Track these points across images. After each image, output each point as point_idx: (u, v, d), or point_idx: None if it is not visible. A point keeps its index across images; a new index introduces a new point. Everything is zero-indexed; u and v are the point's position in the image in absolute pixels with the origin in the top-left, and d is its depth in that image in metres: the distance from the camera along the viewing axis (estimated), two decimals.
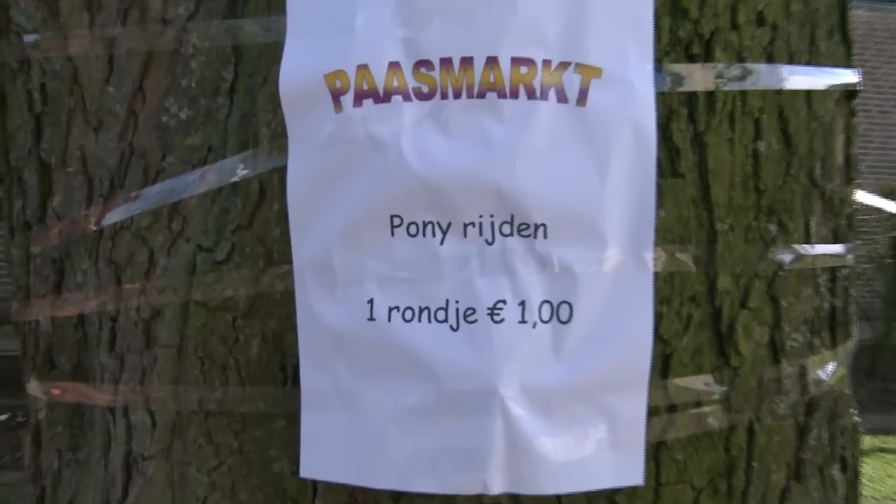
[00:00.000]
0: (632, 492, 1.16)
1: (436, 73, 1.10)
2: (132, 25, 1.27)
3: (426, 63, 1.10)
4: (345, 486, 1.17)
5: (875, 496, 6.58)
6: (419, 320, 1.11)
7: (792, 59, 1.24)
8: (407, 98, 1.11)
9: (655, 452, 1.17)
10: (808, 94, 1.26)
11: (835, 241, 1.32)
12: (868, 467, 7.41)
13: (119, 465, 1.33)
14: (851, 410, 1.41)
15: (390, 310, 1.12)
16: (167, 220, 1.26)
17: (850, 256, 1.36)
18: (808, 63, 1.26)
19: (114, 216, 1.30)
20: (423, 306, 1.11)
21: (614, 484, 1.15)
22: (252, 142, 1.20)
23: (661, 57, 1.15)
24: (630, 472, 1.15)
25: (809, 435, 1.29)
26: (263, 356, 1.21)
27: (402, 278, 1.12)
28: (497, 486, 1.11)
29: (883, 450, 8.14)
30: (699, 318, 1.18)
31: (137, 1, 1.26)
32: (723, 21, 1.17)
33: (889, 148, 15.14)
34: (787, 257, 1.23)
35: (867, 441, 8.42)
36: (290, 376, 1.19)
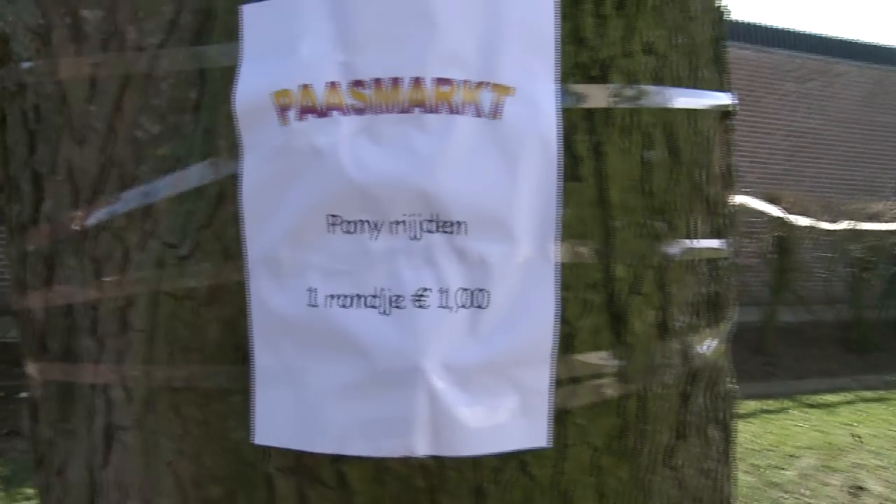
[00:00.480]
0: (540, 452, 1.12)
1: (369, 92, 1.06)
2: (112, 53, 1.22)
3: (361, 83, 1.06)
4: (292, 451, 1.12)
5: (756, 448, 6.65)
6: (354, 306, 1.07)
7: (677, 83, 1.22)
8: (344, 113, 1.06)
9: (560, 418, 1.13)
10: (691, 113, 1.23)
11: (716, 237, 1.30)
12: (752, 425, 7.52)
13: (100, 435, 1.27)
14: (729, 379, 1.39)
15: (329, 297, 1.07)
16: (140, 222, 1.20)
17: (729, 249, 1.34)
18: (691, 87, 1.24)
19: (95, 218, 1.24)
20: (357, 294, 1.07)
21: (523, 446, 1.11)
22: (213, 152, 1.15)
23: (566, 78, 1.11)
24: (537, 435, 1.11)
25: (691, 401, 1.26)
26: (222, 339, 1.15)
27: (340, 270, 1.08)
28: (422, 450, 1.06)
29: (764, 411, 8.28)
30: (598, 303, 1.14)
31: (116, 32, 1.21)
32: (617, 49, 1.14)
33: (772, 163, 15.42)
34: (673, 250, 1.20)
35: (753, 404, 8.55)
36: (244, 356, 1.14)
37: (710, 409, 1.31)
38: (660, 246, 1.19)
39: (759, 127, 15.05)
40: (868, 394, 9.31)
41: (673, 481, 1.25)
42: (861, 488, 5.80)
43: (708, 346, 1.27)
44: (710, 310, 1.29)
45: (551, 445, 1.12)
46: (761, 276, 11.56)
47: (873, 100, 16.84)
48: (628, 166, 1.15)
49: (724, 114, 1.33)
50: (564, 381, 1.12)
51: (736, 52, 14.79)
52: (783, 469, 6.14)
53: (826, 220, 10.74)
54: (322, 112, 1.06)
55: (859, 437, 7.27)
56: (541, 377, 1.10)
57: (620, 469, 1.18)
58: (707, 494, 1.33)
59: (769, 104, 15.24)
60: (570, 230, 1.11)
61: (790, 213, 10.33)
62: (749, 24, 17.32)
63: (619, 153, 1.15)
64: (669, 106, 1.20)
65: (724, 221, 1.33)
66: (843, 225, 10.94)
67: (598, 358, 1.14)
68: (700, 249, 1.25)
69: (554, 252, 1.10)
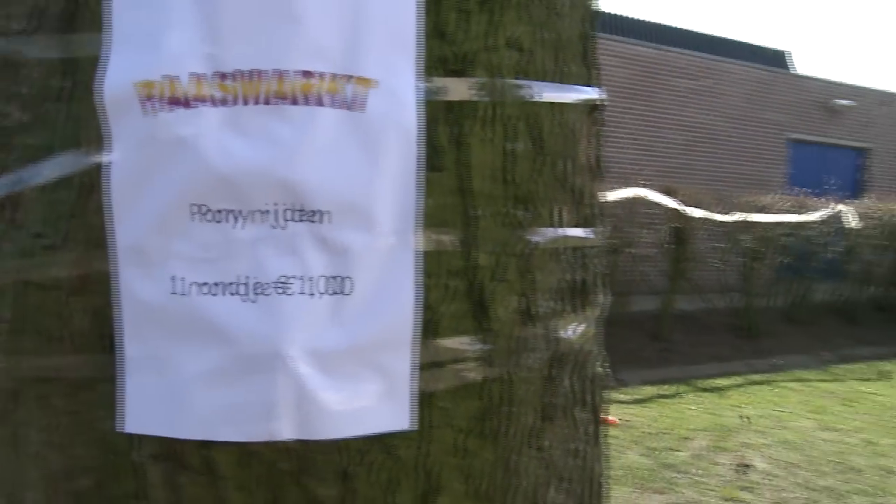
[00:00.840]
0: (405, 435, 1.14)
1: (234, 83, 1.06)
2: None
3: (226, 75, 1.06)
4: (162, 438, 1.11)
5: (652, 432, 6.84)
6: (219, 294, 1.07)
7: (542, 78, 1.24)
8: (209, 104, 1.06)
9: (425, 401, 1.15)
10: (556, 106, 1.26)
11: (583, 226, 1.33)
12: (650, 410, 7.72)
13: None
14: (598, 363, 1.42)
15: (194, 285, 1.07)
16: (5, 211, 1.17)
17: (597, 238, 1.37)
18: (557, 81, 1.27)
19: None
20: (221, 282, 1.07)
21: (387, 429, 1.13)
22: (82, 142, 1.13)
23: (428, 71, 1.13)
24: (400, 418, 1.13)
25: (557, 384, 1.29)
26: (90, 328, 1.13)
27: (205, 258, 1.07)
28: (286, 434, 1.07)
29: (661, 396, 8.51)
30: (460, 289, 1.17)
31: None
32: (479, 44, 1.17)
33: (668, 157, 15.83)
34: (536, 238, 1.23)
35: (650, 389, 8.79)
36: (111, 345, 1.12)
37: (577, 392, 1.34)
38: (522, 234, 1.21)
39: (655, 122, 15.43)
40: (756, 377, 9.69)
41: (540, 462, 1.28)
42: (747, 466, 6.04)
43: (573, 330, 1.31)
44: (577, 296, 1.32)
45: (415, 428, 1.14)
46: (659, 266, 11.86)
47: (760, 98, 17.46)
48: (490, 156, 1.18)
49: (592, 107, 1.36)
50: (428, 366, 1.14)
51: (633, 50, 15.15)
52: (677, 451, 6.34)
53: (719, 212, 11.08)
54: (187, 103, 1.06)
55: (748, 418, 7.55)
56: (403, 361, 1.12)
57: (485, 450, 1.20)
58: (576, 474, 1.36)
59: (664, 100, 15.63)
60: (431, 219, 1.13)
61: (685, 205, 10.62)
62: (645, 23, 17.73)
63: (480, 144, 1.17)
64: (533, 100, 1.22)
65: (591, 211, 1.36)
66: (735, 217, 11.31)
67: (460, 343, 1.16)
68: (565, 237, 1.28)
69: (414, 240, 1.11)
